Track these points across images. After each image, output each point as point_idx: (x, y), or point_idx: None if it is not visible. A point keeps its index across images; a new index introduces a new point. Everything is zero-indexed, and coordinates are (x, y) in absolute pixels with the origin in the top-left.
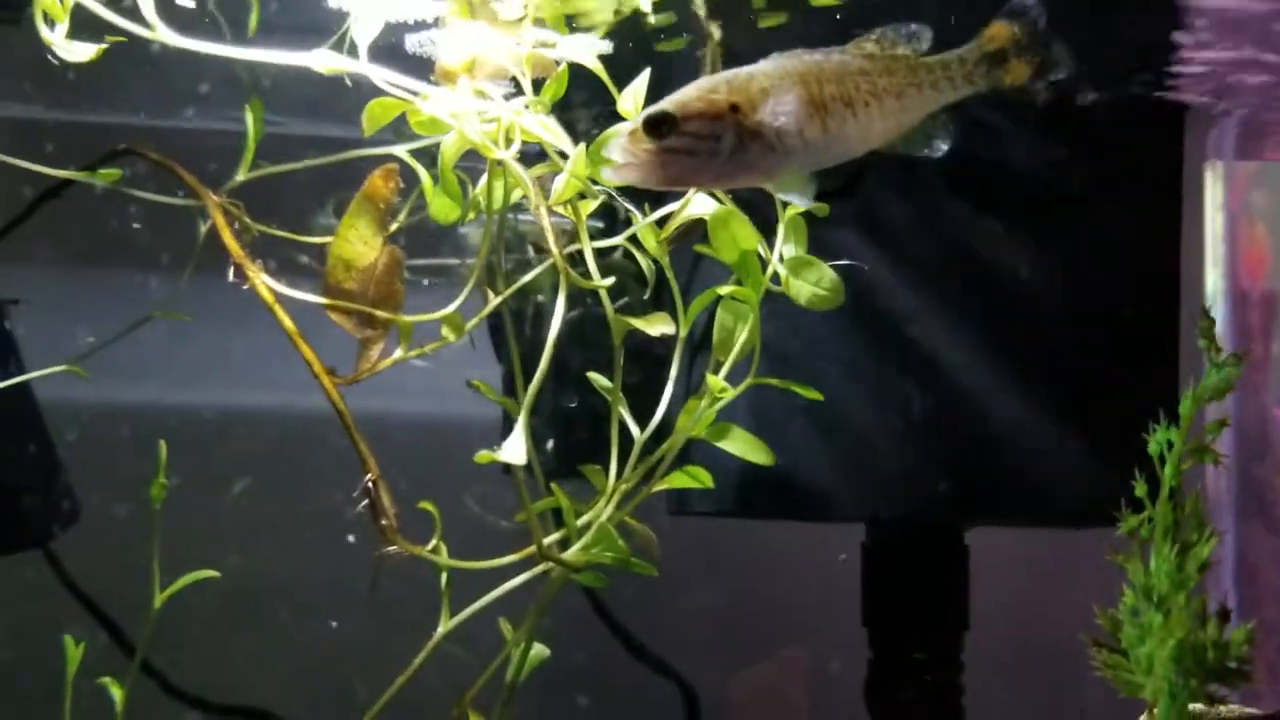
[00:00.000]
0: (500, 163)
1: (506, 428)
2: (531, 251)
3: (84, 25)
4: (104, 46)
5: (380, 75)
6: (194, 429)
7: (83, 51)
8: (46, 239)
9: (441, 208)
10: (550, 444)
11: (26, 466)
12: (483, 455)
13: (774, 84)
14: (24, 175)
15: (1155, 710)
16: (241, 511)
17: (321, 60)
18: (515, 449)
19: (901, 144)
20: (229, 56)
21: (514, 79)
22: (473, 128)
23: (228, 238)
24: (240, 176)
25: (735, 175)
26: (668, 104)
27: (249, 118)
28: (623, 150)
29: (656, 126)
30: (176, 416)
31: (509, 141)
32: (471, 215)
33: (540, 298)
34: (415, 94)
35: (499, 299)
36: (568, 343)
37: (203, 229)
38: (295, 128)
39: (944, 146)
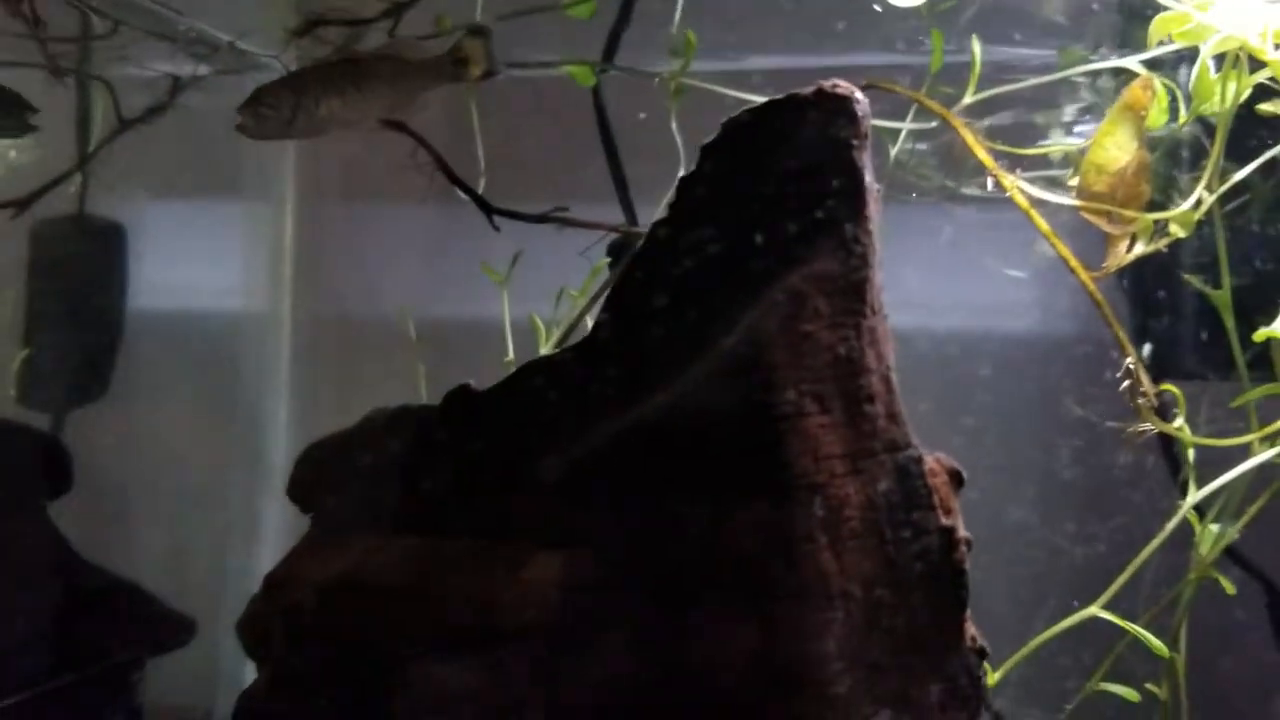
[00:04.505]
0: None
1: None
2: None
3: None
4: None
5: None
6: None
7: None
8: None
9: (1156, 113)
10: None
11: None
12: (1261, 334)
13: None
14: None
15: None
16: None
17: None
18: None
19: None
20: None
21: None
22: (1254, 30)
23: (980, 152)
24: (967, 99)
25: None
26: None
27: (973, 46)
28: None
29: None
30: None
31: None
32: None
33: None
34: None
35: (1213, 197)
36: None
37: (892, 154)
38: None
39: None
